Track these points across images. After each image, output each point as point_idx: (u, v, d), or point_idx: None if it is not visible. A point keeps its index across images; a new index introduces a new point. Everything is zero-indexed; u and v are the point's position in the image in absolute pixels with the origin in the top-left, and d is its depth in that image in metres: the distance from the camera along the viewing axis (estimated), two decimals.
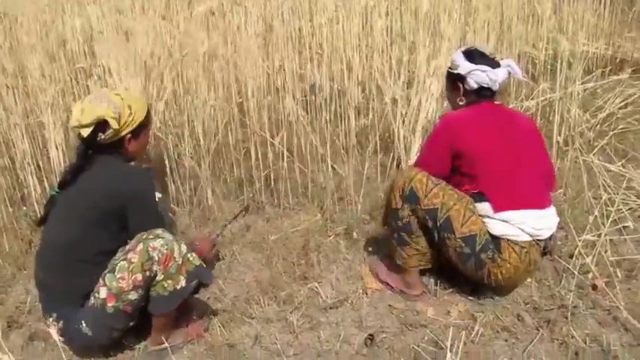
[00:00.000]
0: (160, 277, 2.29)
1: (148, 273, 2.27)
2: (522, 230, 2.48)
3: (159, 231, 2.35)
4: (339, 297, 2.77)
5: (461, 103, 2.69)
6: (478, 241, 2.49)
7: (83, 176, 2.37)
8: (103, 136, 2.37)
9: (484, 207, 2.51)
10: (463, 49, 2.71)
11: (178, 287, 2.34)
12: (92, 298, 2.32)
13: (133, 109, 2.44)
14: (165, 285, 2.31)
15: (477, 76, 2.59)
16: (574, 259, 2.80)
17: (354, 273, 2.92)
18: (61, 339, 2.37)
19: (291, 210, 3.43)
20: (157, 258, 2.27)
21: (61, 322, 2.34)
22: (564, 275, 2.77)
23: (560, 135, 3.64)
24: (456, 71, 2.65)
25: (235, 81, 3.53)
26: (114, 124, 2.36)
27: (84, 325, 2.31)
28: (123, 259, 2.27)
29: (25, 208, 3.37)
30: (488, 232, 2.50)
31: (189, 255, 2.37)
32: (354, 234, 3.13)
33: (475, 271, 2.56)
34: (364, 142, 3.90)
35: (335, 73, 4.04)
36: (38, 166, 3.44)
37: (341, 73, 4.02)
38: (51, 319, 2.36)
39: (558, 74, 3.65)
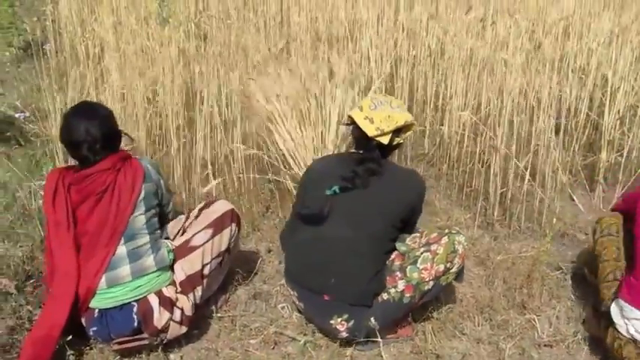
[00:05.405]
0: (454, 269, 2.44)
1: (448, 265, 2.41)
2: (626, 324, 2.33)
3: (457, 228, 2.58)
4: (556, 336, 2.65)
5: None
6: (602, 305, 2.46)
7: (375, 179, 2.44)
8: (398, 140, 2.51)
9: None
10: None
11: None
12: (385, 293, 2.41)
13: None
14: (449, 277, 2.46)
15: None
16: None
17: (577, 315, 2.77)
18: (346, 335, 2.44)
19: (520, 233, 3.32)
20: (460, 251, 2.43)
21: (352, 321, 2.41)
22: None
23: None
24: None
25: (489, 91, 3.47)
26: (415, 128, 2.46)
27: (372, 320, 2.40)
28: (425, 251, 2.40)
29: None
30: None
31: None
32: (585, 273, 2.93)
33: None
34: (611, 179, 3.67)
35: (594, 101, 3.82)
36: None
37: (600, 102, 3.81)
38: (339, 319, 2.40)
39: None
